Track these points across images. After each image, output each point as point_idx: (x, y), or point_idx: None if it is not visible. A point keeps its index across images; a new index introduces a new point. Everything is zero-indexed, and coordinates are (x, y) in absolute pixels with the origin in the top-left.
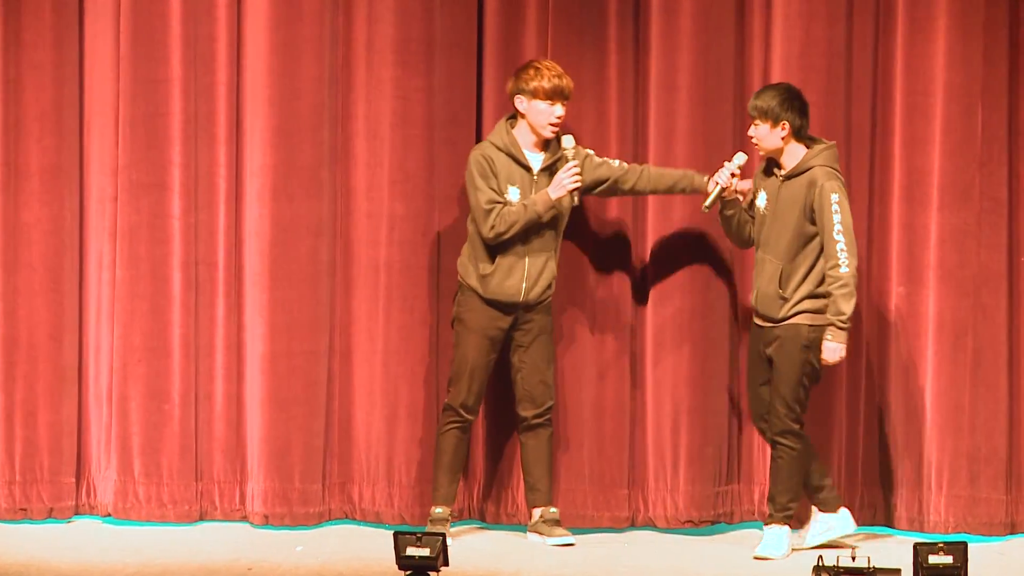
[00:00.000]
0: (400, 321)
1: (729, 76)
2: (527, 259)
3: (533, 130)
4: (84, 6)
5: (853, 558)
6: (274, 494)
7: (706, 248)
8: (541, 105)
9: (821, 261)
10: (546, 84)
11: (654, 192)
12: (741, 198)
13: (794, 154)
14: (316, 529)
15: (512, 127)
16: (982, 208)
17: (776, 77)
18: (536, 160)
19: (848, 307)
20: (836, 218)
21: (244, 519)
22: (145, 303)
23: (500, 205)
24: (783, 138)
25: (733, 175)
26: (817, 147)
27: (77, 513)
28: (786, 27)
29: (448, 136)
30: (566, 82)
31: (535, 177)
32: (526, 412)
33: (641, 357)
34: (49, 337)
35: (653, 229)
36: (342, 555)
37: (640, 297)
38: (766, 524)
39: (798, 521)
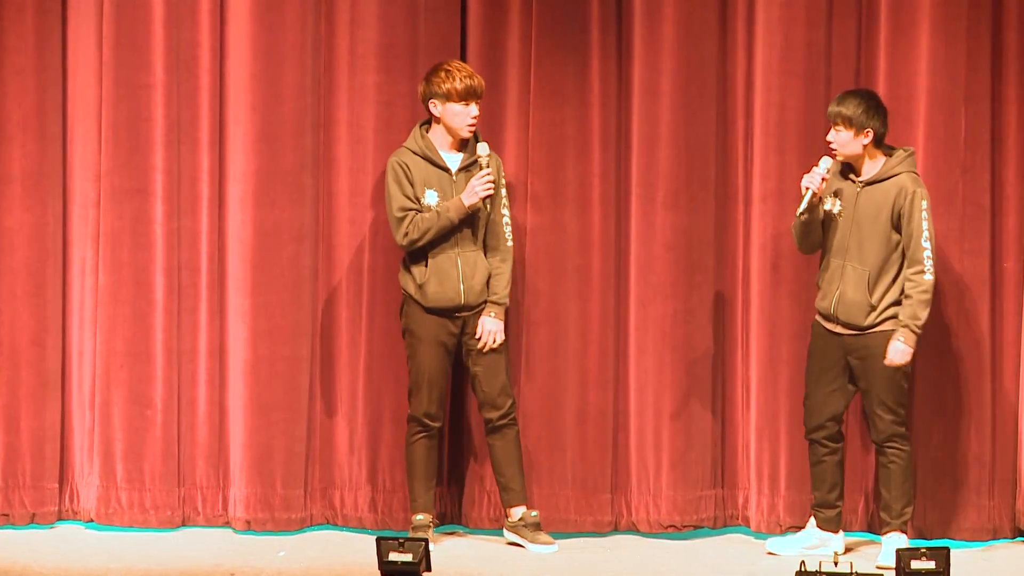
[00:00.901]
0: (383, 326)
1: (712, 82)
2: (459, 259)
3: (449, 132)
4: (67, 11)
5: (835, 563)
6: (256, 499)
7: (690, 253)
8: (456, 107)
9: (904, 269)
10: (459, 85)
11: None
12: (827, 204)
13: (874, 161)
14: (298, 535)
15: (427, 131)
16: (965, 214)
17: (759, 83)
18: (454, 161)
19: (924, 314)
20: (925, 225)
21: (226, 525)
22: (128, 308)
23: (413, 212)
24: (865, 145)
25: (823, 179)
26: (899, 154)
27: (60, 519)
28: (767, 33)
29: None
30: (478, 81)
31: (454, 178)
32: (490, 415)
33: (624, 362)
34: (32, 342)
35: (636, 234)
36: (324, 560)
37: (623, 302)
38: (883, 534)
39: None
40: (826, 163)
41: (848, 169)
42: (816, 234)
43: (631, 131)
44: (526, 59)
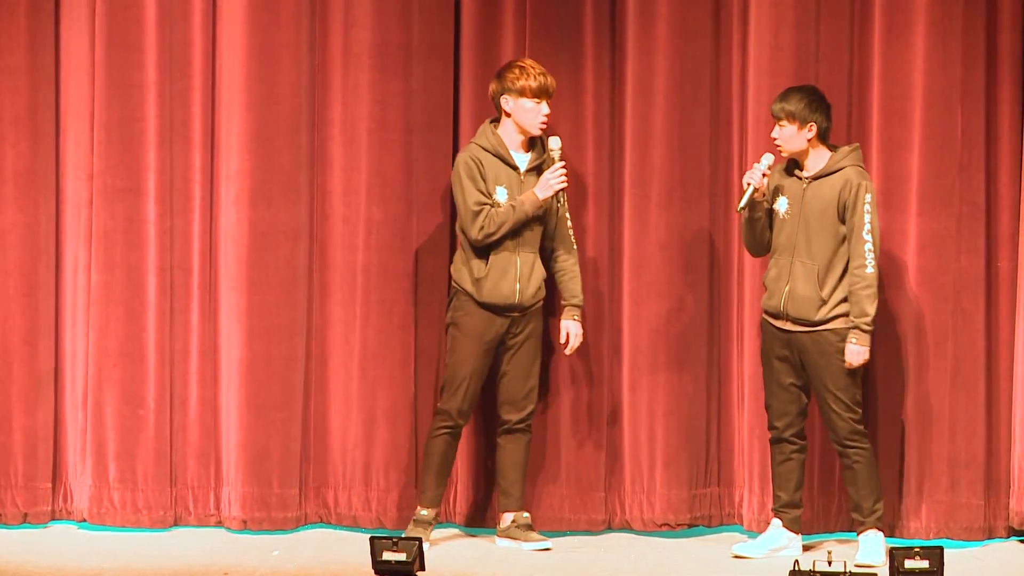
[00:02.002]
0: (377, 325)
1: (705, 81)
2: (518, 258)
3: (520, 130)
4: (60, 10)
5: (829, 562)
6: (253, 499)
7: (683, 252)
8: (528, 104)
9: (849, 263)
10: (532, 83)
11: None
12: (768, 201)
13: (818, 156)
14: (293, 533)
15: (496, 128)
16: (961, 213)
17: (752, 83)
18: (523, 160)
19: (872, 308)
20: (867, 218)
21: (219, 524)
22: (120, 308)
23: (488, 207)
24: (809, 140)
25: (764, 175)
26: (844, 148)
27: (53, 518)
28: (759, 32)
29: (426, 140)
30: (550, 80)
31: (522, 177)
32: (508, 416)
33: (618, 360)
34: (24, 342)
35: (630, 233)
36: (319, 559)
37: (616, 300)
38: (859, 533)
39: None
40: (768, 159)
41: (794, 166)
42: (763, 232)
43: (625, 130)
44: (520, 57)
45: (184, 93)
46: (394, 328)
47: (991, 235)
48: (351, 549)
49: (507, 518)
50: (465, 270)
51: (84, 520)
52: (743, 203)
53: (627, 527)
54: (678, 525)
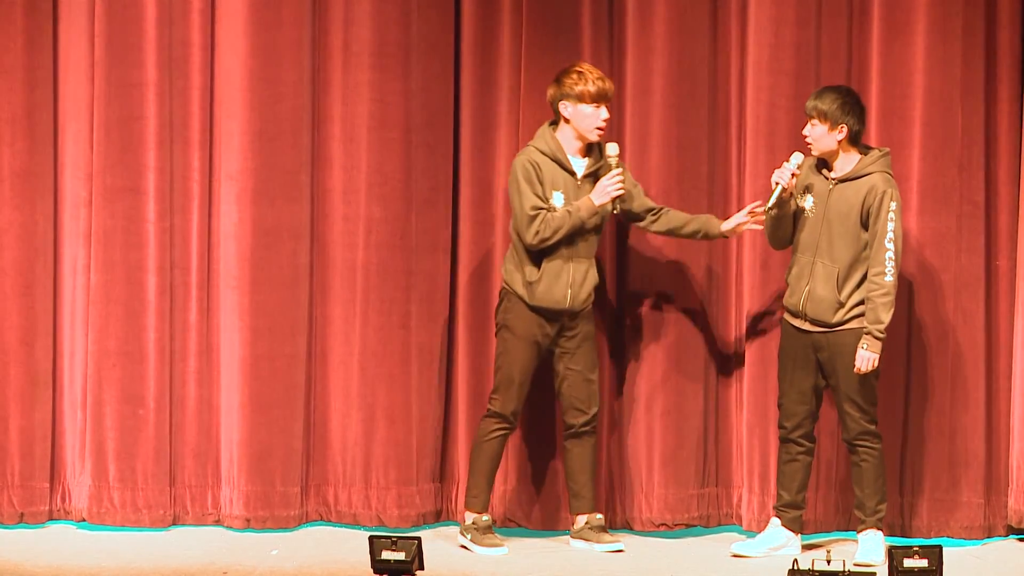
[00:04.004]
0: (377, 323)
1: (704, 80)
2: (571, 265)
3: (578, 135)
4: (58, 10)
5: (828, 560)
6: (256, 497)
7: (681, 251)
8: (587, 109)
9: (868, 269)
10: (591, 88)
11: (669, 234)
12: (797, 199)
13: (848, 158)
14: (293, 532)
15: (555, 132)
16: (961, 212)
17: (751, 82)
18: (580, 165)
19: (887, 316)
20: (891, 226)
21: (217, 523)
22: (119, 307)
23: (544, 211)
24: (839, 141)
25: (793, 175)
26: (874, 153)
27: (51, 518)
28: (758, 32)
29: (425, 139)
30: (609, 85)
31: (579, 182)
32: (574, 420)
33: (616, 359)
34: (21, 342)
35: (628, 232)
36: (318, 558)
37: (615, 299)
38: (859, 531)
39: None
40: (797, 158)
41: (823, 165)
42: (786, 229)
43: (623, 129)
44: (517, 57)
45: (183, 92)
46: (394, 326)
47: (991, 234)
48: (350, 547)
49: (580, 520)
50: (518, 274)
51: (83, 520)
52: (771, 203)
53: (626, 527)
54: (676, 525)
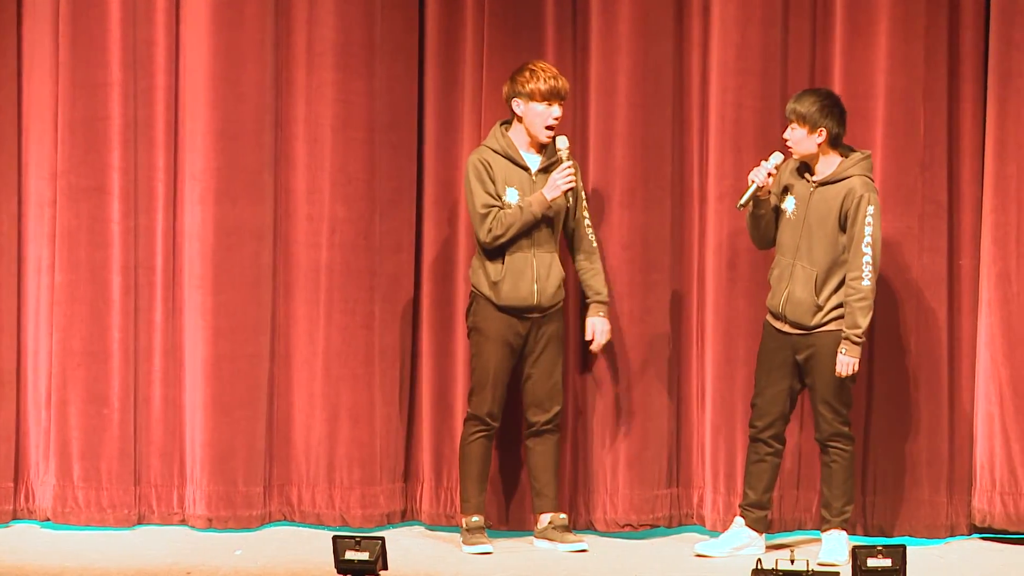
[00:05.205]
0: (341, 323)
1: (668, 80)
2: (535, 259)
3: (529, 132)
4: (22, 10)
5: (792, 560)
6: (218, 497)
7: (646, 252)
8: (538, 107)
9: (847, 273)
10: (542, 86)
11: (573, 256)
12: (774, 198)
13: (828, 161)
14: (256, 532)
15: (507, 130)
16: (923, 211)
17: (717, 82)
18: (534, 161)
19: (865, 321)
20: (868, 230)
21: (182, 523)
22: (84, 307)
23: (496, 208)
24: (819, 144)
25: (770, 175)
26: (854, 156)
27: (15, 518)
28: (722, 31)
29: (389, 139)
30: (562, 83)
31: (534, 178)
32: (536, 418)
33: (581, 359)
34: None
35: (600, 234)
36: (282, 558)
37: (579, 300)
38: (823, 531)
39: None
40: (776, 158)
41: (805, 168)
42: (768, 229)
43: (587, 129)
44: (479, 57)
45: (148, 92)
46: (357, 326)
47: (953, 233)
48: (314, 547)
49: (544, 519)
50: (482, 273)
51: (47, 519)
52: (744, 200)
53: (590, 528)
54: (640, 525)
